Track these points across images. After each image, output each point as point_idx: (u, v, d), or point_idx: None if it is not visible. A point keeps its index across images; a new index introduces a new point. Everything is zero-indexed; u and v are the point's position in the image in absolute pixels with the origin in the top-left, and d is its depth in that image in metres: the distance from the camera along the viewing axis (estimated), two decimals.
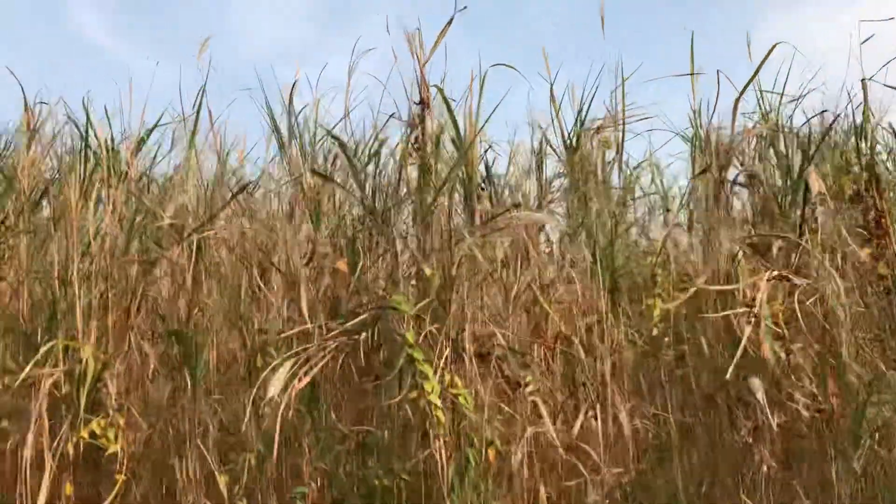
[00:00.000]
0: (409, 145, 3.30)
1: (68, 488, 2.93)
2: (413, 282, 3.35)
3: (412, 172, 3.76)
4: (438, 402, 2.85)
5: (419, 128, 3.33)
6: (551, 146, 4.50)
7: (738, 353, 2.78)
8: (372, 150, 3.56)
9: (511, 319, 3.30)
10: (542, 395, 2.95)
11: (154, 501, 3.02)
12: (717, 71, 4.67)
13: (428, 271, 3.06)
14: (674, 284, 4.21)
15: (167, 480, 3.07)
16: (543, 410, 2.89)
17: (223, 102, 4.12)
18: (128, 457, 2.96)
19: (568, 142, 4.39)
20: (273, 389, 2.56)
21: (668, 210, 5.17)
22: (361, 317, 2.93)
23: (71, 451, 2.92)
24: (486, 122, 3.59)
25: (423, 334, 2.95)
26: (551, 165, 4.56)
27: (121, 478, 2.92)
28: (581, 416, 3.32)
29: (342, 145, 3.34)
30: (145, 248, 3.63)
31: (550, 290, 3.49)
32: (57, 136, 4.33)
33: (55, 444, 2.95)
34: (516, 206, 3.60)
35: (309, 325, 2.83)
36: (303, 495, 2.92)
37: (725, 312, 3.01)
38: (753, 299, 2.78)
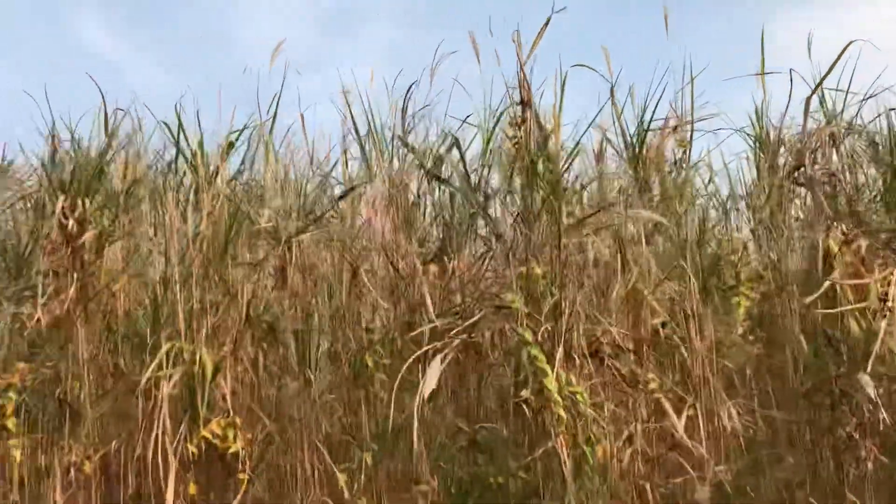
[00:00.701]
0: (513, 145, 3.32)
1: (192, 488, 2.96)
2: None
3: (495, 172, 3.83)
4: (560, 400, 2.86)
5: (521, 128, 3.35)
6: (612, 146, 4.51)
7: (877, 346, 2.77)
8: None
9: (615, 318, 3.31)
10: (664, 392, 2.96)
11: (274, 500, 3.04)
12: (791, 70, 4.70)
13: (538, 270, 3.08)
14: (751, 281, 4.24)
15: (286, 479, 3.10)
16: (668, 407, 2.90)
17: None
18: (248, 456, 2.99)
19: (632, 141, 4.40)
20: (430, 385, 2.58)
21: (737, 209, 5.17)
22: (478, 316, 2.95)
23: (193, 451, 2.95)
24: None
25: (538, 333, 2.96)
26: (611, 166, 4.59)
27: (244, 477, 2.95)
28: (685, 413, 3.32)
29: (458, 145, 3.36)
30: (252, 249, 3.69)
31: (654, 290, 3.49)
32: (132, 139, 4.38)
33: (175, 444, 2.98)
34: (611, 204, 3.62)
35: (437, 324, 2.85)
36: (423, 493, 2.94)
37: (855, 306, 3.00)
38: (886, 293, 2.78)
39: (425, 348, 2.72)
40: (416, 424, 2.58)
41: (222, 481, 3.03)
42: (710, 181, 5.24)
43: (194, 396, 3.10)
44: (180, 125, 3.99)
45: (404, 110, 4.26)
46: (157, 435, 2.93)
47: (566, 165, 3.28)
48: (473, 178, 3.74)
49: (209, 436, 2.95)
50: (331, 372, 3.27)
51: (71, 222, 3.09)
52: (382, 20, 8.89)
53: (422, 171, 3.78)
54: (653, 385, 2.96)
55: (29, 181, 4.32)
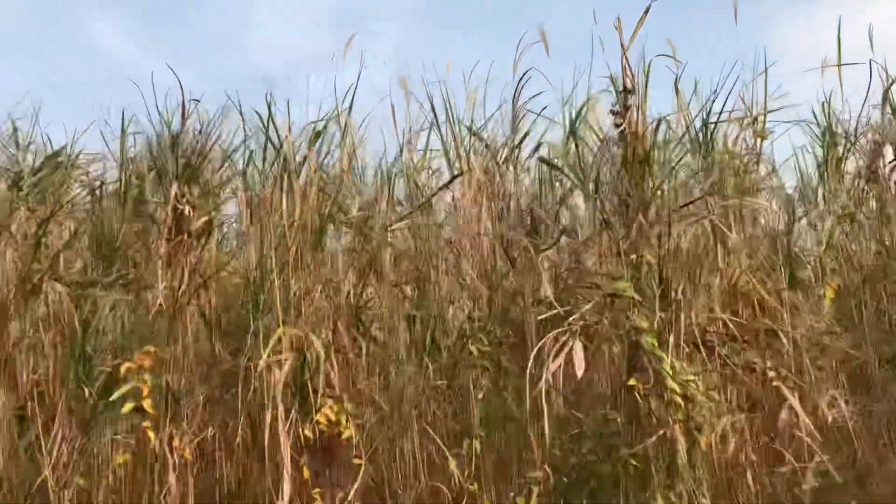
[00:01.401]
0: (620, 132, 3.31)
1: (305, 472, 2.98)
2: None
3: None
4: (676, 388, 2.85)
5: (625, 116, 3.34)
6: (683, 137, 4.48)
7: None
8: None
9: (718, 307, 3.30)
10: (784, 381, 2.94)
11: (386, 485, 3.05)
12: (870, 61, 4.66)
13: (650, 257, 3.07)
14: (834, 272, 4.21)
15: (395, 465, 3.11)
16: (790, 396, 2.88)
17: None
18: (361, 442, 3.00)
19: (699, 133, 4.36)
20: (579, 369, 2.58)
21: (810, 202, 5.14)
22: (591, 303, 2.94)
23: (308, 435, 2.96)
24: None
25: (651, 321, 2.95)
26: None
27: (361, 462, 2.96)
28: (786, 405, 3.31)
29: (577, 136, 3.36)
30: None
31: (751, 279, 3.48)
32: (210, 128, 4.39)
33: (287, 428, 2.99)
34: (709, 194, 3.59)
35: (560, 310, 2.84)
36: (536, 481, 2.94)
37: None
38: None
39: (553, 333, 2.72)
40: (545, 409, 2.58)
41: (334, 467, 3.04)
42: (773, 172, 5.22)
43: (304, 382, 3.11)
44: (270, 115, 4.00)
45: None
46: (270, 420, 2.94)
47: (681, 154, 3.27)
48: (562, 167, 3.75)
49: (323, 421, 2.96)
50: (435, 359, 3.28)
51: (187, 209, 3.11)
52: (390, 19, 8.96)
53: (513, 159, 3.77)
54: (771, 373, 2.94)
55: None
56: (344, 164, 4.27)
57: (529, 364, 2.81)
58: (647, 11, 3.52)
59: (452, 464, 3.00)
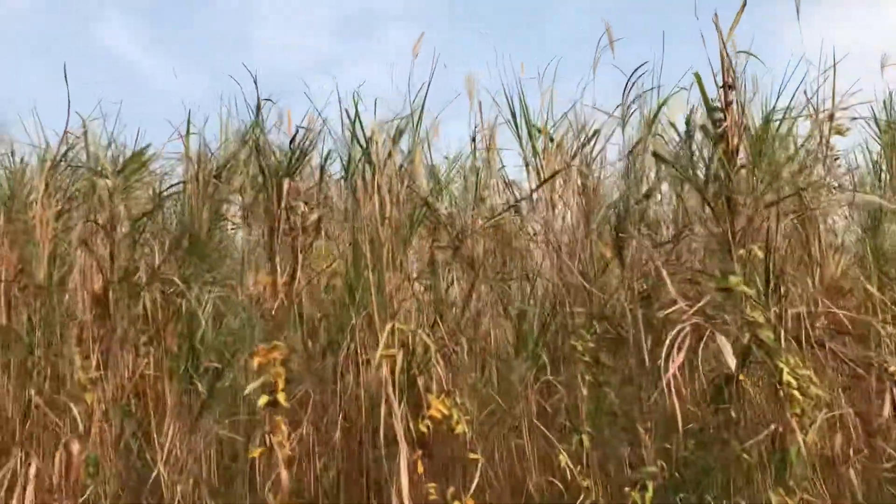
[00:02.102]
0: (717, 129, 3.31)
1: (420, 467, 2.99)
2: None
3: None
4: (793, 382, 2.85)
5: (726, 112, 3.34)
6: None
7: None
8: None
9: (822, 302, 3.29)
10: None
11: (496, 480, 3.06)
12: None
13: (760, 252, 3.07)
14: None
15: (505, 460, 3.12)
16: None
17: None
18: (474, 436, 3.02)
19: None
20: (731, 362, 2.58)
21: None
22: (706, 298, 2.94)
23: (423, 430, 2.98)
24: None
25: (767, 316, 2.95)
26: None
27: (476, 457, 2.97)
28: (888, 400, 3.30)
29: (690, 130, 3.36)
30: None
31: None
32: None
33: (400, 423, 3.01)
34: (803, 189, 3.59)
35: (683, 305, 2.84)
36: (650, 476, 2.94)
37: None
38: None
39: (678, 327, 2.72)
40: (671, 401, 2.58)
41: (447, 462, 3.05)
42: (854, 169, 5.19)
43: (412, 377, 3.13)
44: (357, 114, 4.01)
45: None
46: (385, 415, 2.96)
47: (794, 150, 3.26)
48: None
49: (436, 415, 2.97)
50: (538, 354, 3.28)
51: (302, 206, 3.14)
52: (398, 20, 9.03)
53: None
54: (893, 368, 2.93)
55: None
56: (419, 162, 4.30)
57: (645, 359, 2.82)
58: (743, 7, 3.53)
59: (564, 458, 3.01)
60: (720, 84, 3.38)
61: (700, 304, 2.91)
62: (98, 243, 3.79)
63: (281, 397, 2.79)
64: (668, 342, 2.64)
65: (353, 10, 8.97)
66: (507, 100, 4.38)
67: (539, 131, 4.32)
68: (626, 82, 3.99)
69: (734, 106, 3.34)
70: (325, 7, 9.23)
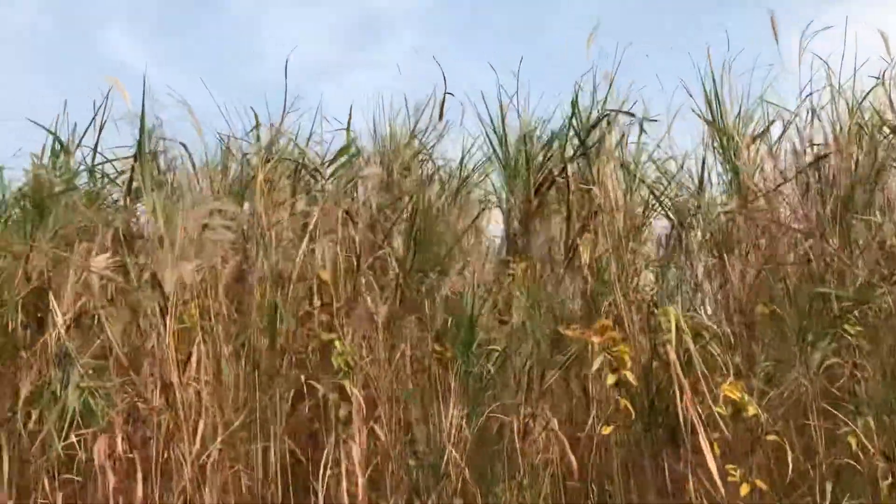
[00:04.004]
0: None
1: (716, 448, 3.04)
2: None
3: None
4: None
5: None
6: None
7: None
8: None
9: None
10: None
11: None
12: None
13: None
14: None
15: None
16: None
17: None
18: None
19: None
20: None
21: None
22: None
23: (720, 411, 3.03)
24: None
25: None
26: None
27: (773, 438, 3.03)
28: None
29: None
30: None
31: None
32: None
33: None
34: None
35: None
36: None
37: None
38: None
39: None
40: None
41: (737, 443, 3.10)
42: None
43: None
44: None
45: None
46: (682, 400, 3.01)
47: None
48: None
49: (732, 395, 3.02)
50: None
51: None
52: (404, 29, 9.18)
53: None
54: None
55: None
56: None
57: None
58: None
59: (853, 442, 3.05)
60: None
61: None
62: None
63: (629, 375, 2.84)
64: None
65: (364, 17, 9.14)
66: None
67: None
68: None
69: None
70: (332, 14, 9.40)
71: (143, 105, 3.97)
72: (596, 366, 2.88)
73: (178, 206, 3.68)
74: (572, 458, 3.15)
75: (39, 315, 3.74)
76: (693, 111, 4.13)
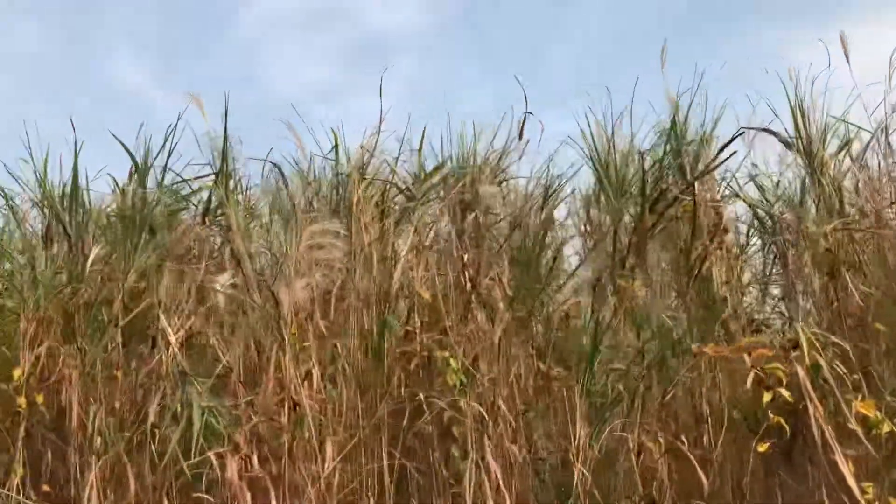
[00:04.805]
0: None
1: (851, 465, 3.05)
2: None
3: None
4: None
5: None
6: None
7: None
8: None
9: None
10: None
11: None
12: None
13: None
14: None
15: None
16: None
17: None
18: None
19: None
20: None
21: None
22: None
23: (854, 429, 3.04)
24: None
25: None
26: None
27: None
28: None
29: None
30: None
31: None
32: None
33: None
34: None
35: None
36: None
37: None
38: None
39: None
40: None
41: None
42: None
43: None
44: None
45: None
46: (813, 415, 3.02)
47: None
48: None
49: (866, 412, 3.03)
50: None
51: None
52: (402, 53, 9.35)
53: None
54: None
55: None
56: None
57: None
58: None
59: None
60: None
61: None
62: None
63: (785, 393, 2.86)
64: None
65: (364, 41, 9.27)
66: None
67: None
68: None
69: None
70: (334, 38, 9.53)
71: (225, 123, 4.02)
72: (749, 383, 2.90)
73: (290, 225, 3.73)
74: (702, 476, 3.15)
75: (150, 335, 3.79)
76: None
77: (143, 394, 3.67)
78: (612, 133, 3.85)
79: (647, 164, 3.76)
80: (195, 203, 4.43)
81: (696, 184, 3.49)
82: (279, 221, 4.40)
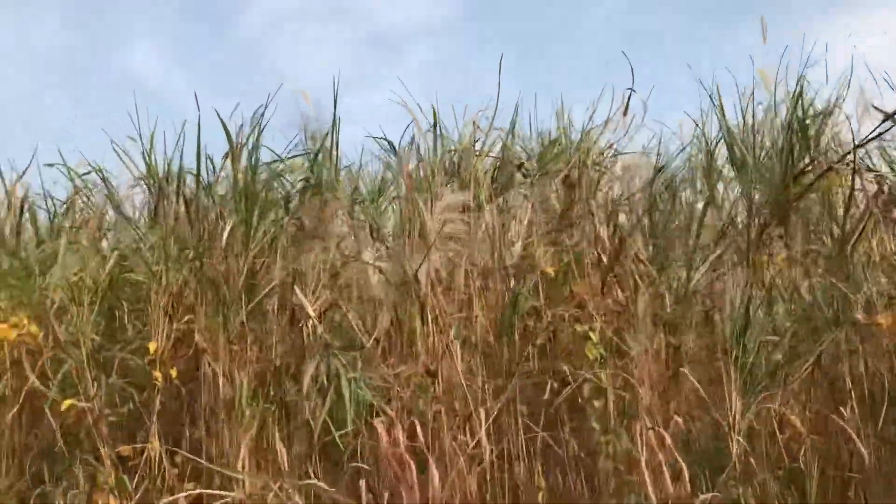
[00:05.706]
0: None
1: None
2: None
3: None
4: None
5: None
6: None
7: None
8: None
9: None
10: None
11: None
12: None
13: None
14: None
15: None
16: None
17: None
18: None
19: None
20: None
21: None
22: None
23: None
24: None
25: None
26: None
27: None
28: None
29: None
30: None
31: None
32: None
33: None
34: None
35: None
36: None
37: None
38: None
39: None
40: None
41: None
42: None
43: None
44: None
45: None
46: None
47: None
48: None
49: None
50: None
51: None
52: (419, 38, 9.25)
53: None
54: None
55: None
56: None
57: None
58: None
59: None
60: None
61: None
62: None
63: None
64: None
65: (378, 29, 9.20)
66: None
67: None
68: None
69: None
70: (348, 26, 9.47)
71: (335, 105, 4.01)
72: None
73: (423, 199, 3.73)
74: (862, 449, 3.10)
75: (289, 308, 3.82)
76: None
77: (282, 366, 3.71)
78: (745, 106, 3.78)
79: (784, 136, 3.68)
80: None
81: (855, 152, 3.41)
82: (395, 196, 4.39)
